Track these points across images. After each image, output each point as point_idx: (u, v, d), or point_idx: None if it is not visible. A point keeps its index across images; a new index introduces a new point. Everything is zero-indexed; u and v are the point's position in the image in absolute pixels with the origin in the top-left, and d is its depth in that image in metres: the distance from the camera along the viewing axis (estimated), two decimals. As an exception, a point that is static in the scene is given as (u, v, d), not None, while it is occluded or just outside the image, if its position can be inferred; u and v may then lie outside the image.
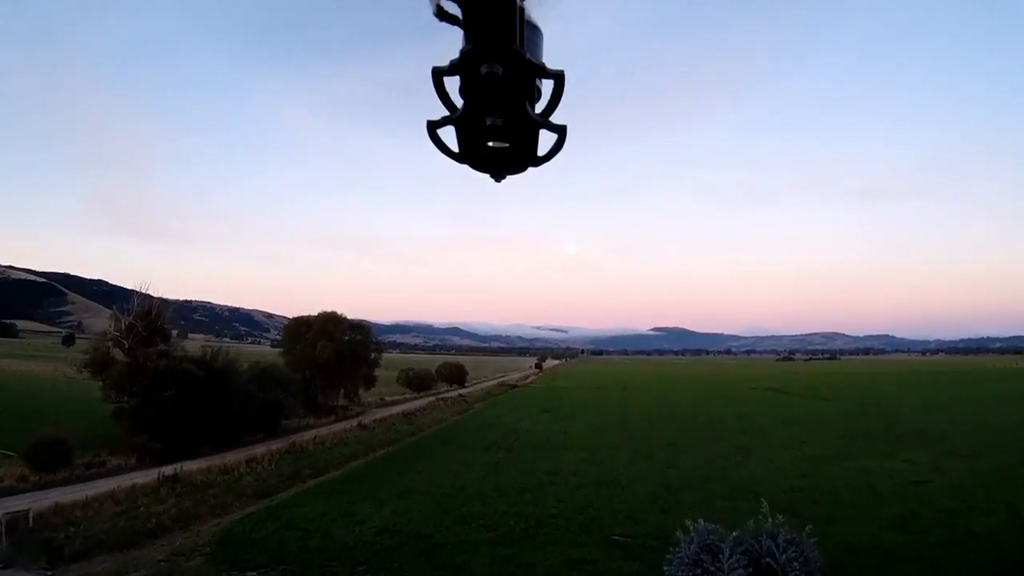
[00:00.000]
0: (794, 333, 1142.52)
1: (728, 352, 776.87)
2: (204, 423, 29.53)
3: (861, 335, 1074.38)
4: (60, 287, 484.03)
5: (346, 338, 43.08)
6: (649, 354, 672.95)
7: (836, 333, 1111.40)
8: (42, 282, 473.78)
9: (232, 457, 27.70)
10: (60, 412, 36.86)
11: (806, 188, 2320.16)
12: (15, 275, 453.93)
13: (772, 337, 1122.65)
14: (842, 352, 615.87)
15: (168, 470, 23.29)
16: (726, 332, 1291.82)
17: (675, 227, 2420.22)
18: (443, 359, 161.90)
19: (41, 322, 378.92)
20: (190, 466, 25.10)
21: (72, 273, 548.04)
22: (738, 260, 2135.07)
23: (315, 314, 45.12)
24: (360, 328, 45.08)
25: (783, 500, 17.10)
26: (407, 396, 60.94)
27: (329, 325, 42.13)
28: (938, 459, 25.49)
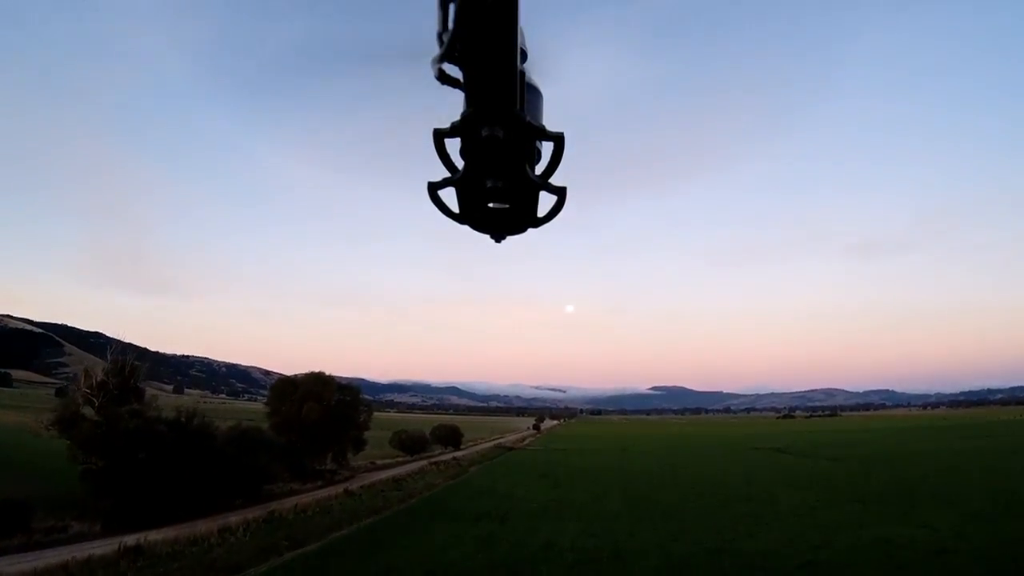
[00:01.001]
0: (794, 390, 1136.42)
1: (728, 410, 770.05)
2: (177, 488, 27.76)
3: (861, 390, 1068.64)
4: (57, 338, 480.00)
5: (335, 400, 41.51)
6: (648, 414, 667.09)
7: (836, 389, 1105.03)
8: (39, 332, 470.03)
9: (204, 526, 25.80)
10: (36, 468, 34.93)
11: (802, 245, 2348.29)
12: (13, 324, 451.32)
13: (772, 395, 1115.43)
14: (843, 408, 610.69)
15: (131, 540, 21.51)
16: (725, 390, 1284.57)
17: (673, 285, 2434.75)
18: (440, 419, 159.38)
19: (38, 372, 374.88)
20: (157, 535, 23.29)
21: (70, 324, 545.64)
22: (736, 318, 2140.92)
23: (303, 373, 43.87)
24: (349, 390, 43.50)
25: (799, 577, 15.71)
26: (399, 459, 58.73)
27: (317, 386, 40.58)
28: (959, 523, 23.97)
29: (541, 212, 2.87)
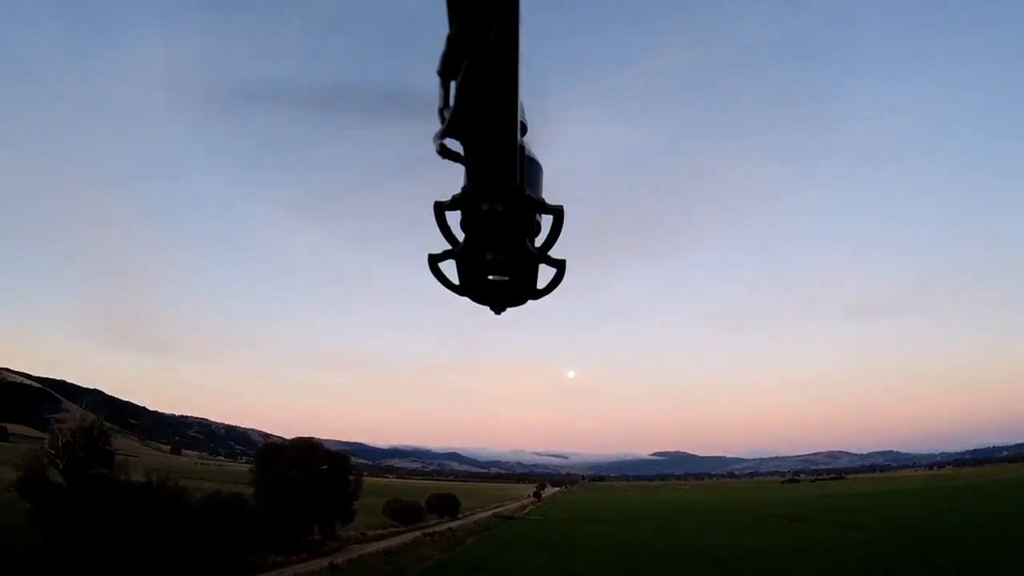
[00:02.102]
0: (797, 453, 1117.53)
1: (731, 475, 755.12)
2: (144, 561, 25.64)
3: (865, 452, 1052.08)
4: (55, 394, 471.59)
5: (322, 467, 39.53)
6: (651, 480, 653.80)
7: (840, 452, 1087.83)
8: (37, 387, 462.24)
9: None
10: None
11: (801, 307, 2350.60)
12: (11, 378, 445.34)
13: (775, 458, 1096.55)
14: (847, 471, 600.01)
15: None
16: (728, 455, 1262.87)
17: (673, 350, 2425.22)
18: (440, 486, 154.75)
19: (35, 428, 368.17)
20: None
21: (68, 381, 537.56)
22: (737, 381, 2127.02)
23: (290, 439, 41.85)
24: (338, 457, 41.39)
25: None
26: (392, 529, 56.02)
27: (303, 452, 38.54)
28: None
29: (541, 284, 2.88)
